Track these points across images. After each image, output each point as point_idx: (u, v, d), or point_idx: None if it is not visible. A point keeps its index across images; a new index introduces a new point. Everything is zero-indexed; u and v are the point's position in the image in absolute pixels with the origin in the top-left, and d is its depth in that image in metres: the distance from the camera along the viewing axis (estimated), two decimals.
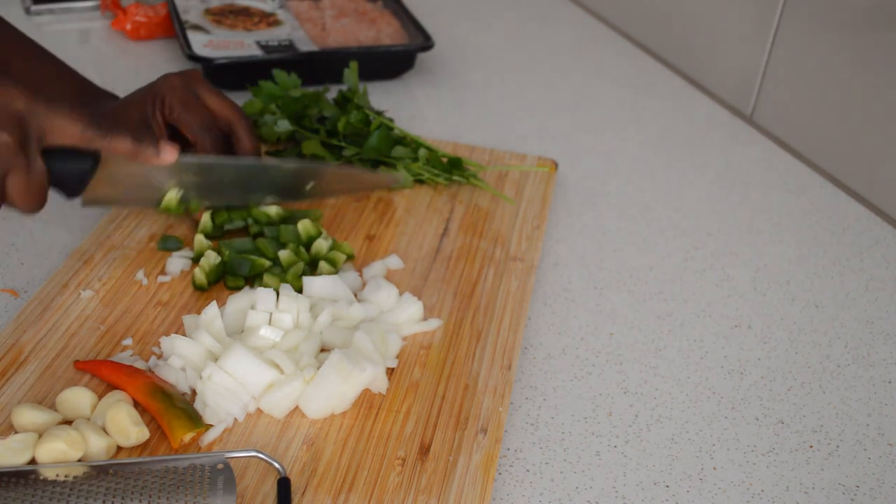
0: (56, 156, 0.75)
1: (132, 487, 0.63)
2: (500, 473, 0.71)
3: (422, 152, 1.01)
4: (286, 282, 0.83)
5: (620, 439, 0.75)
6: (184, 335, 0.77)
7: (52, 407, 0.71)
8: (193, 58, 1.17)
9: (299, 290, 0.82)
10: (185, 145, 0.89)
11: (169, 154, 0.79)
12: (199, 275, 0.83)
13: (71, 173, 0.77)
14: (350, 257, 0.88)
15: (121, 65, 1.25)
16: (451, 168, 1.00)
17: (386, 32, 1.28)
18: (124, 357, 0.76)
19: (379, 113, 1.03)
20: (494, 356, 0.80)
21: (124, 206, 0.90)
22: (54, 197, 0.76)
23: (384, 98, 1.21)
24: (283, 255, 0.85)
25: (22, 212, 0.74)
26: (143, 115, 0.89)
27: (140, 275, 0.84)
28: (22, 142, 0.72)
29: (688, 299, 0.91)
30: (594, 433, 0.76)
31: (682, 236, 1.01)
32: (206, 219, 0.88)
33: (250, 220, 0.90)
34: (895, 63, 1.02)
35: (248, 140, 0.90)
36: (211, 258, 0.83)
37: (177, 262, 0.85)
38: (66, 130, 0.74)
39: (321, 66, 1.22)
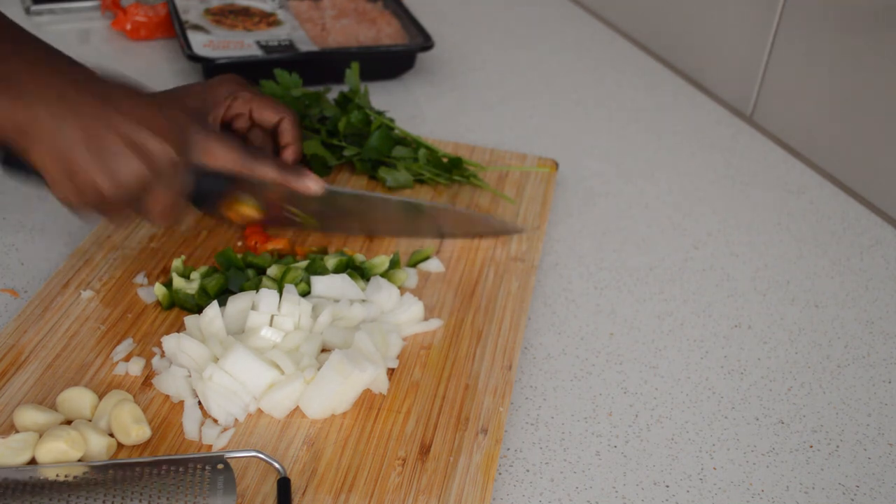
0: (197, 175, 0.78)
1: (132, 487, 0.63)
2: (500, 473, 0.71)
3: (422, 152, 1.01)
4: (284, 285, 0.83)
5: (620, 439, 0.75)
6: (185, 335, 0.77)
7: (53, 407, 0.71)
8: (193, 58, 1.17)
9: (303, 294, 0.82)
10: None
11: (315, 185, 0.83)
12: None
13: (208, 192, 0.80)
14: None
15: (121, 65, 1.24)
16: (452, 168, 1.00)
17: (386, 32, 1.28)
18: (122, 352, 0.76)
19: (380, 113, 1.03)
20: (495, 356, 0.80)
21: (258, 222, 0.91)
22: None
23: (384, 98, 1.21)
24: (272, 270, 0.84)
25: (153, 224, 0.77)
26: (201, 106, 0.89)
27: (140, 278, 0.84)
28: (179, 161, 0.74)
29: (688, 299, 0.91)
30: (594, 433, 0.76)
31: (682, 236, 1.01)
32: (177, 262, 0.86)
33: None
34: (895, 63, 1.02)
35: (292, 131, 0.90)
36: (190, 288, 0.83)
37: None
38: (219, 156, 0.78)
39: (321, 66, 1.22)
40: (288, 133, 0.89)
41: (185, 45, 1.19)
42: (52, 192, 0.73)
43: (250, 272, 0.84)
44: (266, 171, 0.81)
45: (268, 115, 0.90)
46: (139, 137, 0.72)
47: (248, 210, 0.84)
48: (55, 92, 0.71)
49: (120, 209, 0.74)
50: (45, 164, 0.71)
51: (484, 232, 0.94)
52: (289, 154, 0.89)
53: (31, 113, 0.69)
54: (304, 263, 0.85)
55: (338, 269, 0.85)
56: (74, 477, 0.63)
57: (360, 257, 0.87)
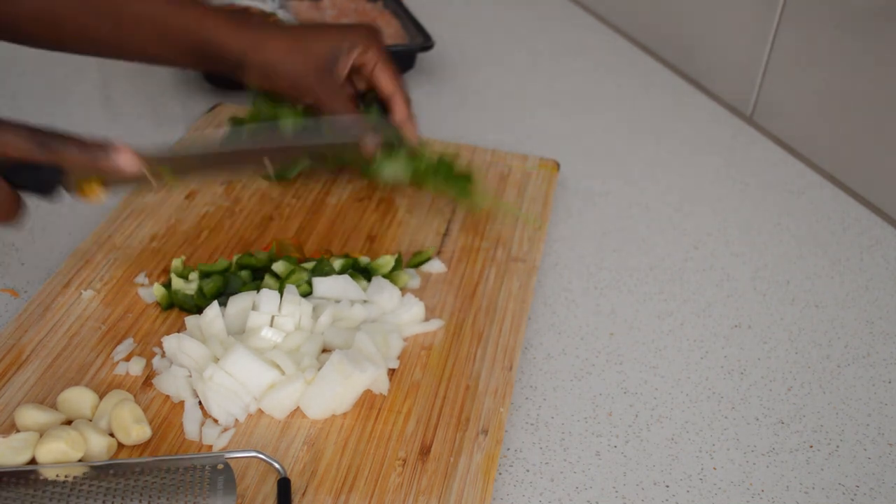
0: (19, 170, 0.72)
1: (132, 487, 0.63)
2: (499, 473, 0.71)
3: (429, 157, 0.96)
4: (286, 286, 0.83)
5: (620, 439, 0.76)
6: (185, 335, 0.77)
7: (54, 406, 0.71)
8: None
9: (305, 295, 0.82)
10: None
11: (128, 162, 0.74)
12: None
13: (42, 180, 0.74)
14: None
15: (121, 64, 1.25)
16: (462, 185, 0.96)
17: (386, 32, 1.28)
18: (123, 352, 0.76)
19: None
20: (495, 357, 0.80)
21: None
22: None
23: None
24: (278, 266, 0.84)
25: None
26: (332, 54, 0.92)
27: (141, 278, 0.84)
28: None
29: (688, 299, 0.91)
30: (594, 433, 0.76)
31: (682, 236, 1.01)
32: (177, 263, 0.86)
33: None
34: (895, 63, 1.02)
35: (402, 109, 0.93)
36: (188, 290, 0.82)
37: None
38: (7, 144, 0.71)
39: None
40: (398, 111, 0.93)
41: None
42: None
43: (244, 273, 0.84)
44: (67, 153, 0.73)
45: (384, 83, 0.93)
46: None
47: (97, 187, 0.76)
48: None
49: None
50: None
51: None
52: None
53: None
54: (310, 265, 0.85)
55: (344, 271, 0.85)
56: (74, 477, 0.63)
57: (364, 259, 0.87)
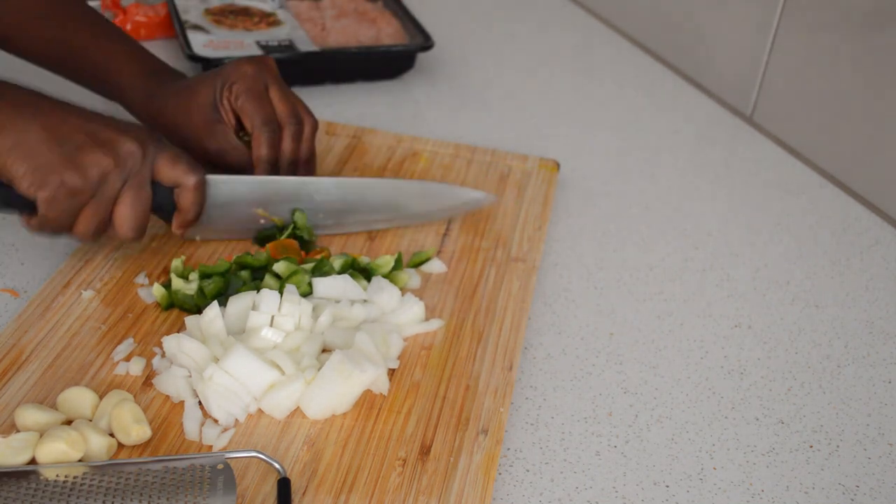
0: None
1: (132, 487, 0.63)
2: (500, 474, 0.71)
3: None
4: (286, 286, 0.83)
5: (620, 439, 0.76)
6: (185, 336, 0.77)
7: (54, 406, 0.71)
8: (193, 58, 1.17)
9: (305, 295, 0.82)
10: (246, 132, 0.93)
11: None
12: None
13: (165, 202, 0.81)
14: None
15: None
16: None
17: (386, 32, 1.28)
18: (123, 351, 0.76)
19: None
20: (495, 357, 0.80)
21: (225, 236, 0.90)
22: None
23: (384, 98, 1.21)
24: (279, 266, 0.84)
25: (123, 237, 0.78)
26: (212, 99, 0.90)
27: (141, 278, 0.84)
28: (144, 157, 0.76)
29: (688, 299, 0.91)
30: (594, 433, 0.76)
31: (682, 236, 1.01)
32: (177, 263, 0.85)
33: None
34: (895, 63, 1.02)
35: (289, 144, 0.90)
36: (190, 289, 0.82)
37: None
38: (178, 173, 0.79)
39: (321, 66, 1.22)
40: (254, 149, 0.90)
41: (185, 45, 1.19)
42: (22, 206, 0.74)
43: (244, 274, 0.84)
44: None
45: (245, 118, 0.90)
46: (105, 133, 0.74)
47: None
48: (18, 98, 0.73)
49: (89, 214, 0.74)
50: (13, 165, 0.71)
51: (452, 208, 0.95)
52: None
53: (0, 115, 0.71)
54: (310, 265, 0.85)
55: (343, 271, 0.85)
56: (74, 477, 0.63)
57: (364, 259, 0.87)
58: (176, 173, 0.79)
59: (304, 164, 0.92)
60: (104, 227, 0.77)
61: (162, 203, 0.81)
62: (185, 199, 0.81)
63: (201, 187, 0.81)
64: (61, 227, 0.75)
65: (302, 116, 0.91)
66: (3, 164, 0.71)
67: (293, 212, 0.89)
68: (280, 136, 0.90)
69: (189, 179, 0.80)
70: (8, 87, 0.74)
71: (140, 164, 0.76)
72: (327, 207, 0.90)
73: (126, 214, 0.76)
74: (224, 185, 0.85)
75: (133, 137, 0.75)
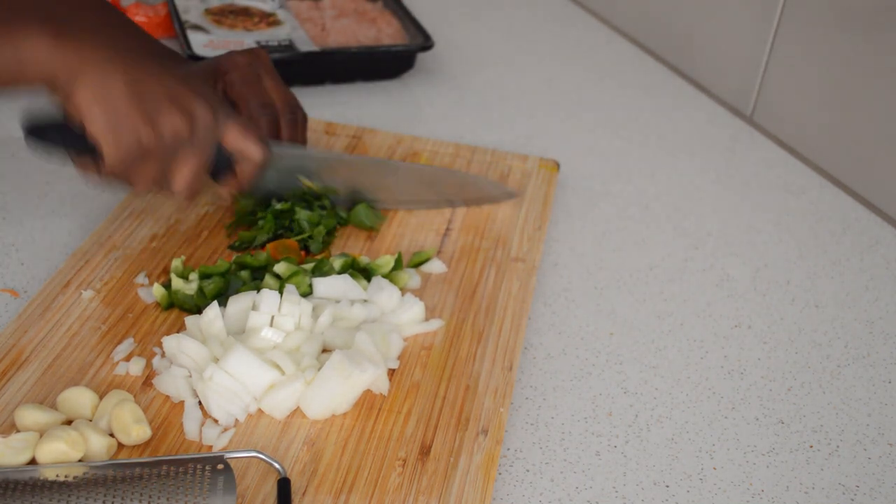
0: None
1: (132, 487, 0.63)
2: (500, 474, 0.71)
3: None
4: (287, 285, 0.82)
5: (620, 439, 0.76)
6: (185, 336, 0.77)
7: (53, 407, 0.71)
8: (194, 58, 1.17)
9: (304, 295, 0.82)
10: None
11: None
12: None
13: (221, 167, 0.82)
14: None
15: None
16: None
17: (386, 32, 1.28)
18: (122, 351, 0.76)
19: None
20: (495, 357, 0.80)
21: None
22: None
23: (384, 98, 1.21)
24: (280, 267, 0.84)
25: (174, 194, 0.79)
26: (206, 90, 0.91)
27: (141, 278, 0.84)
28: (215, 122, 0.77)
29: (688, 299, 0.91)
30: (594, 433, 0.76)
31: (682, 236, 1.01)
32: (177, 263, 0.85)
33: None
34: (895, 63, 1.02)
35: (288, 132, 0.92)
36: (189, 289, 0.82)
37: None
38: (244, 142, 0.81)
39: (321, 66, 1.22)
40: (281, 121, 0.92)
41: (186, 45, 1.19)
42: (89, 147, 0.73)
43: (244, 273, 0.84)
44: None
45: (242, 106, 0.91)
46: (183, 95, 0.75)
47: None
48: (105, 38, 0.72)
49: (151, 169, 0.75)
50: (88, 109, 0.71)
51: (479, 197, 0.98)
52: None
53: (80, 55, 0.70)
54: (310, 266, 0.85)
55: (343, 271, 0.85)
56: (74, 477, 0.63)
57: (364, 259, 0.87)
58: (244, 144, 0.81)
59: None
60: (161, 184, 0.77)
61: (219, 168, 0.82)
62: (247, 171, 0.83)
63: (265, 162, 0.83)
64: (119, 176, 0.75)
65: (295, 107, 0.93)
66: (79, 102, 0.71)
67: (353, 204, 0.94)
68: (277, 122, 0.92)
69: (256, 153, 0.82)
70: (94, 34, 0.73)
71: (209, 129, 0.77)
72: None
73: (185, 173, 0.77)
74: (286, 158, 0.88)
75: (206, 101, 0.77)
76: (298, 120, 0.92)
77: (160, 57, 0.93)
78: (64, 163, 0.76)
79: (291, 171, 0.90)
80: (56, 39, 0.70)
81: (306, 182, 0.91)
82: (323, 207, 0.92)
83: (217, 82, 0.91)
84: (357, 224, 0.93)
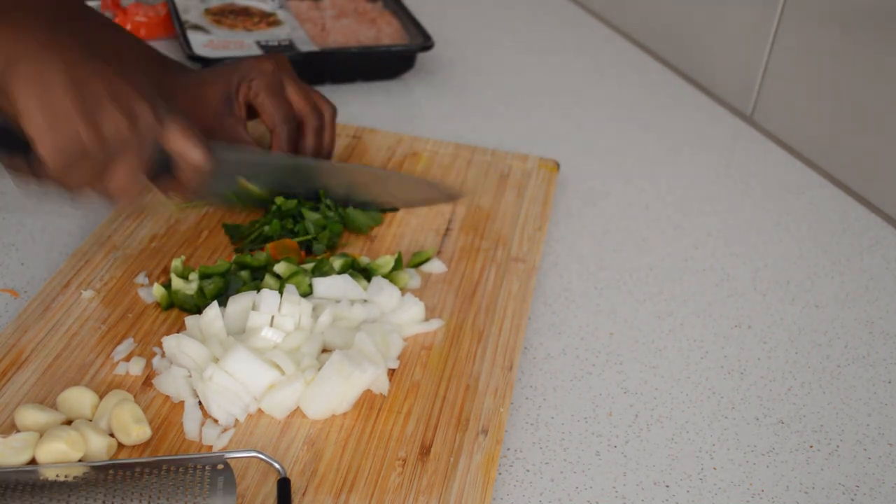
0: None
1: (132, 487, 0.63)
2: (500, 474, 0.71)
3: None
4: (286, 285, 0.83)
5: (620, 439, 0.76)
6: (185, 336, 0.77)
7: (53, 407, 0.71)
8: (193, 58, 1.17)
9: (305, 295, 0.82)
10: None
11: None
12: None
13: (161, 169, 0.78)
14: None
15: None
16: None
17: (386, 32, 1.28)
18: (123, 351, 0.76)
19: None
20: (496, 357, 0.80)
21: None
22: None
23: (384, 98, 1.21)
24: (279, 267, 0.84)
25: (110, 199, 0.74)
26: (226, 92, 0.92)
27: (141, 278, 0.84)
28: (156, 122, 0.73)
29: (688, 299, 0.91)
30: (594, 433, 0.76)
31: (682, 236, 1.01)
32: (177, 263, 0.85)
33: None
34: (895, 63, 1.02)
35: (312, 139, 0.93)
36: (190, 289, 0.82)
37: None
38: (182, 144, 0.77)
39: (321, 66, 1.22)
40: (305, 129, 0.93)
41: (186, 45, 1.19)
42: (30, 144, 0.68)
43: (244, 274, 0.84)
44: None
45: (264, 117, 0.93)
46: (125, 95, 0.70)
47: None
48: (46, 33, 0.68)
49: (87, 170, 0.71)
50: (26, 104, 0.66)
51: (424, 199, 0.97)
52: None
53: (20, 46, 0.66)
54: (310, 266, 0.85)
55: (343, 271, 0.85)
56: (74, 477, 0.63)
57: (364, 259, 0.87)
58: (184, 146, 0.76)
59: (327, 157, 0.97)
60: (95, 184, 0.72)
61: (159, 170, 0.77)
62: (187, 173, 0.78)
63: (206, 166, 0.78)
64: (53, 175, 0.70)
65: (321, 109, 0.95)
66: (15, 96, 0.66)
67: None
68: (300, 132, 0.93)
69: (196, 156, 0.77)
70: (36, 20, 0.70)
71: (150, 129, 0.73)
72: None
73: (121, 175, 0.72)
74: (227, 162, 0.85)
75: (149, 101, 0.73)
76: (325, 125, 0.94)
77: (147, 60, 0.93)
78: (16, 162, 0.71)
79: (232, 174, 0.88)
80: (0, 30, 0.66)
81: (244, 183, 0.89)
82: (329, 208, 0.92)
83: (240, 86, 0.91)
84: (353, 229, 0.93)
